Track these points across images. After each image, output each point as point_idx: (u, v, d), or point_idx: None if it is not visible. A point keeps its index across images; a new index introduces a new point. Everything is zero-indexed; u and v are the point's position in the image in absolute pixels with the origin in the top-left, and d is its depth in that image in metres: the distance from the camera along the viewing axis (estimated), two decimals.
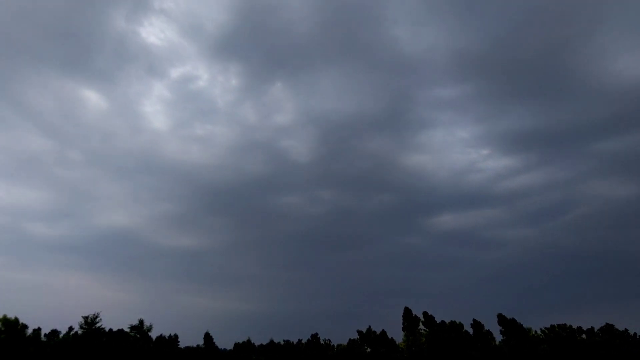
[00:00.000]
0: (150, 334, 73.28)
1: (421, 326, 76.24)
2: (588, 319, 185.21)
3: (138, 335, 71.56)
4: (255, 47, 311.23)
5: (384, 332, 79.61)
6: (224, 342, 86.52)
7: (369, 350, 75.69)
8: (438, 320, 76.08)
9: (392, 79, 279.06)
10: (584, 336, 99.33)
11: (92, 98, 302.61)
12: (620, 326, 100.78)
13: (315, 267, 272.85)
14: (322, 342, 79.64)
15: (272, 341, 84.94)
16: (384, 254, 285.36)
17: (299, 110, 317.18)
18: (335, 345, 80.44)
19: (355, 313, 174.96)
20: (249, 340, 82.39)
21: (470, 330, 79.89)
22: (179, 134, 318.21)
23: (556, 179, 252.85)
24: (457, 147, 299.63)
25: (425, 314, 79.07)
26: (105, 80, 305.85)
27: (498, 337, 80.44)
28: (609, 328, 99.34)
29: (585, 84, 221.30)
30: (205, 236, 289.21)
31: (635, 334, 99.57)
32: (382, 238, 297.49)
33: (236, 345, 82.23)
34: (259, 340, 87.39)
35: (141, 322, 72.80)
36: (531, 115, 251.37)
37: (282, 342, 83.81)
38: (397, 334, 78.41)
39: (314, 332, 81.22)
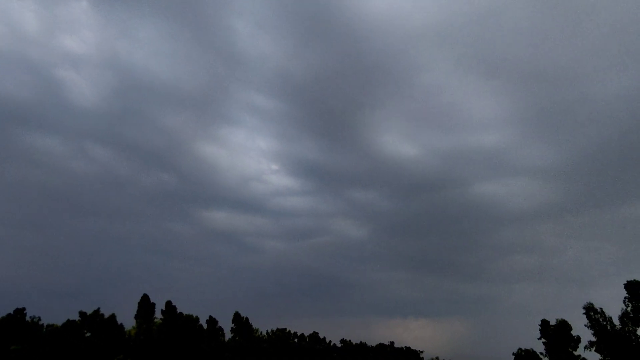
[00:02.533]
0: None
1: (159, 315, 72.80)
2: (303, 326, 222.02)
3: None
4: None
5: (113, 317, 71.48)
6: None
7: (88, 334, 65.96)
8: (184, 312, 74.57)
9: (218, 63, 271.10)
10: (296, 340, 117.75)
11: None
12: (322, 334, 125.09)
13: (59, 233, 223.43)
14: (28, 319, 64.18)
15: None
16: (143, 235, 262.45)
17: (100, 44, 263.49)
18: (45, 325, 66.34)
19: (89, 292, 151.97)
20: None
21: (205, 325, 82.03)
22: None
23: (318, 209, 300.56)
24: (253, 154, 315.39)
25: (168, 303, 76.06)
26: None
27: (230, 335, 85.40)
28: (314, 335, 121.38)
29: (362, 143, 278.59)
30: None
31: (330, 341, 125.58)
32: (148, 218, 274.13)
33: None
34: None
35: None
36: (320, 151, 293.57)
37: None
38: (133, 321, 71.93)
39: (21, 307, 64.71)
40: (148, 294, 74.70)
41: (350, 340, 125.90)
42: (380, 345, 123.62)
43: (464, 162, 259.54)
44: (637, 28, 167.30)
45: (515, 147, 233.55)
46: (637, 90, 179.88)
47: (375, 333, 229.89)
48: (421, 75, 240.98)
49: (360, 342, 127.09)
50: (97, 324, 66.89)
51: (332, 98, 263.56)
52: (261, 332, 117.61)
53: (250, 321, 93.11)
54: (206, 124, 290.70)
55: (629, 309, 40.24)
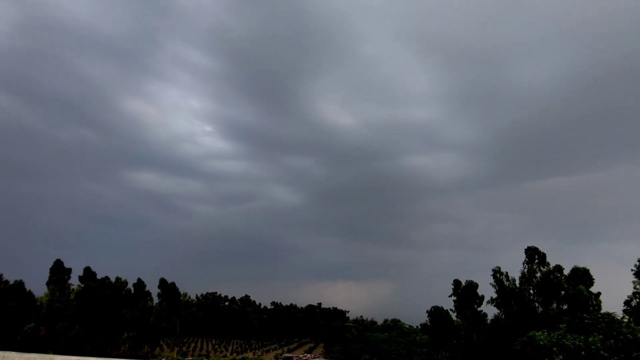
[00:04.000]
0: None
1: (76, 282, 67.84)
2: (235, 290, 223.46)
3: None
4: None
5: (21, 283, 64.88)
6: None
7: None
8: (111, 277, 70.23)
9: (147, 11, 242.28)
10: (226, 303, 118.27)
11: None
12: (254, 297, 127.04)
13: None
14: None
15: None
16: (60, 195, 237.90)
17: None
18: None
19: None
20: None
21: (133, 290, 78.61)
22: None
23: (252, 173, 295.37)
24: (185, 114, 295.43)
25: (87, 269, 71.15)
26: None
27: (157, 299, 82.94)
28: (246, 298, 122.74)
29: (301, 110, 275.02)
30: None
31: (260, 303, 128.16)
32: (65, 177, 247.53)
33: None
34: None
35: None
36: (258, 115, 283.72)
37: None
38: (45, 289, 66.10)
39: None
40: (65, 260, 69.07)
41: (280, 303, 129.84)
42: (310, 306, 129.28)
43: (397, 135, 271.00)
44: (563, 20, 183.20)
45: (443, 123, 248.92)
46: (554, 78, 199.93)
47: (306, 295, 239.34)
48: (363, 45, 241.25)
49: (291, 304, 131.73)
50: (0, 291, 60.30)
51: (272, 61, 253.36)
52: (190, 297, 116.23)
53: (177, 286, 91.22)
54: (133, 77, 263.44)
55: (525, 270, 46.32)
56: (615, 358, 17.21)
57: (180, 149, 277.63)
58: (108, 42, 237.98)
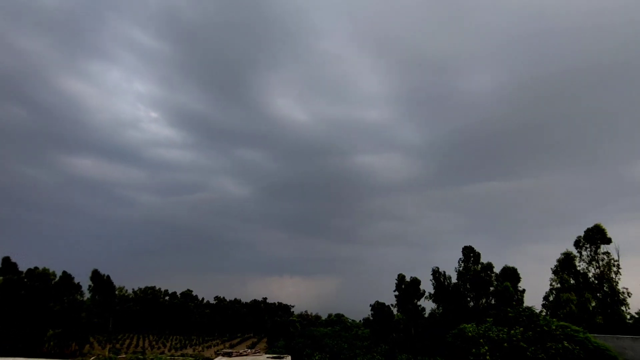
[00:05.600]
0: None
1: None
2: (177, 284, 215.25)
3: None
4: None
5: None
6: None
7: None
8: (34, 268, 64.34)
9: None
10: (167, 298, 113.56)
11: None
12: (197, 292, 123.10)
13: None
14: None
15: None
16: None
17: None
18: None
19: None
20: None
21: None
22: None
23: (200, 164, 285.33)
24: (129, 98, 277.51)
25: (6, 260, 64.89)
26: None
27: (89, 293, 77.39)
28: (188, 293, 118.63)
29: (254, 102, 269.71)
30: None
31: (203, 298, 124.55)
32: None
33: None
34: None
35: None
36: (208, 104, 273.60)
37: None
38: None
39: None
40: None
41: (224, 297, 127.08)
42: (254, 301, 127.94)
43: (348, 133, 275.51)
44: (508, 35, 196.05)
45: (393, 124, 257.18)
46: (496, 89, 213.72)
47: (252, 290, 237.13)
48: (320, 41, 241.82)
49: (235, 298, 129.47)
50: None
51: (226, 49, 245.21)
52: (127, 291, 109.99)
53: (113, 279, 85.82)
54: (72, 54, 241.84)
55: (461, 268, 49.29)
56: (532, 348, 18.77)
57: (122, 135, 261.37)
58: (47, 14, 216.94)
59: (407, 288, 53.39)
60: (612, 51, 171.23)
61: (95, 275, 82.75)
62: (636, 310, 36.60)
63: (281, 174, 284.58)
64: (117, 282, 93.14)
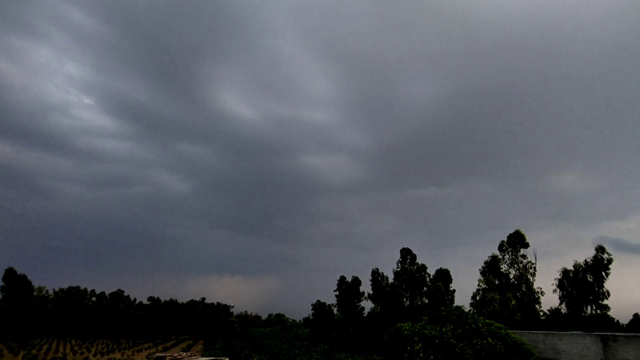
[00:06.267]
0: None
1: None
2: (107, 284, 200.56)
3: None
4: None
5: None
6: None
7: None
8: None
9: None
10: (93, 299, 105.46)
11: None
12: (129, 292, 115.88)
13: None
14: None
15: None
16: None
17: None
18: None
19: None
20: None
21: None
22: None
23: (138, 156, 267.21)
24: (59, 80, 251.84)
25: None
26: None
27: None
28: (118, 293, 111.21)
29: (200, 95, 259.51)
30: None
31: (135, 299, 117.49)
32: None
33: None
34: None
35: None
36: (150, 93, 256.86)
37: None
38: None
39: None
40: None
41: (159, 298, 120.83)
42: (192, 301, 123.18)
43: (295, 133, 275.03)
44: (449, 48, 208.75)
45: (338, 127, 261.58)
46: (434, 100, 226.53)
47: (190, 290, 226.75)
48: (272, 39, 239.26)
49: (171, 299, 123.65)
50: None
51: (173, 37, 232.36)
52: (47, 292, 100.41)
53: (30, 279, 77.85)
54: (5, 30, 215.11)
55: (399, 269, 51.62)
56: (461, 344, 20.17)
57: (49, 120, 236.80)
58: None
59: (348, 288, 54.74)
60: (533, 73, 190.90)
61: (9, 275, 74.47)
62: (548, 308, 40.96)
63: (225, 170, 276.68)
64: (36, 282, 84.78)
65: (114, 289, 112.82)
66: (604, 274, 36.66)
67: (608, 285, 36.74)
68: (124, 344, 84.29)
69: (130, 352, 70.96)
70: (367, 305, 55.79)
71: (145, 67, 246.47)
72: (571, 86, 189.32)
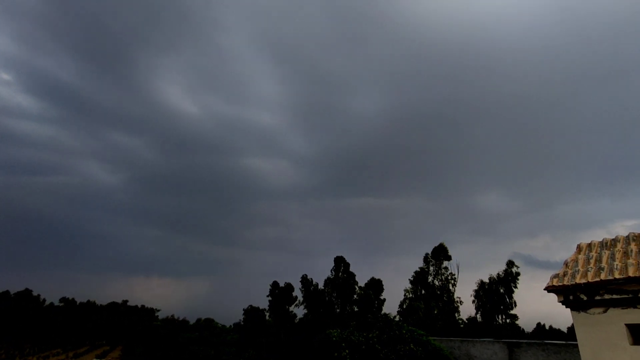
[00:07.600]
0: None
1: None
2: (11, 283, 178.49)
3: None
4: None
5: None
6: None
7: None
8: None
9: None
10: None
11: None
12: (39, 292, 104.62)
13: None
14: None
15: None
16: None
17: None
18: None
19: None
20: None
21: None
22: None
23: (62, 143, 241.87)
24: None
25: None
26: None
27: None
28: (26, 293, 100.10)
29: (139, 84, 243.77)
30: None
31: (45, 299, 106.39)
32: None
33: None
34: None
35: None
36: (80, 75, 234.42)
37: None
38: None
39: None
40: None
41: (74, 299, 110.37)
42: (113, 303, 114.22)
43: (239, 134, 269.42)
44: (399, 66, 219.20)
45: (284, 131, 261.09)
46: (380, 115, 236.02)
47: (112, 291, 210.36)
48: (221, 35, 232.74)
49: (88, 300, 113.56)
50: None
51: (113, 17, 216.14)
52: None
53: None
54: None
55: (332, 276, 52.72)
56: (385, 350, 21.15)
57: None
58: None
59: (281, 294, 54.63)
60: (472, 101, 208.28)
61: None
62: (467, 316, 44.42)
63: (161, 165, 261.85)
64: None
65: (21, 288, 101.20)
66: (512, 286, 40.71)
67: (517, 296, 40.91)
68: (27, 349, 75.65)
69: (34, 359, 64.05)
70: (301, 311, 56.14)
71: (78, 46, 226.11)
72: (503, 113, 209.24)
